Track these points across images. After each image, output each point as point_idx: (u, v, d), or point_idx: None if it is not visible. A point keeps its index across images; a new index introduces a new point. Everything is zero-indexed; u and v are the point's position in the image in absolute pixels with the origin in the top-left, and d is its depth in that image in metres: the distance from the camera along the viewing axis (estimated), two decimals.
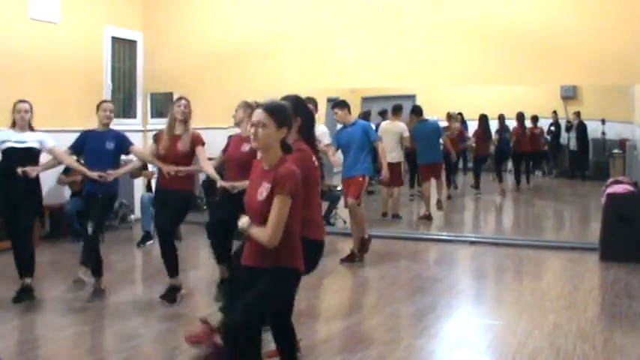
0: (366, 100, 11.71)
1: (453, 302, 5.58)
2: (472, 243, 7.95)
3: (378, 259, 6.88)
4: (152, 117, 9.75)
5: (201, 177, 9.88)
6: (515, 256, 7.35)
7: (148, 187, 8.26)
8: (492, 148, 11.68)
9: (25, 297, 5.30)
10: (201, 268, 6.75)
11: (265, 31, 8.55)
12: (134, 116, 9.47)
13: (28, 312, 5.17)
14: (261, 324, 3.12)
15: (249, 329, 2.95)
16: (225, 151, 5.45)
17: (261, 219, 2.96)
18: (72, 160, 5.70)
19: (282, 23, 8.47)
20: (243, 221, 3.04)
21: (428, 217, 9.38)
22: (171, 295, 5.37)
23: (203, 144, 5.43)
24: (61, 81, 8.07)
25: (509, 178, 12.79)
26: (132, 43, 9.42)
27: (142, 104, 9.62)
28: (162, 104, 10.19)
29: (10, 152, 5.34)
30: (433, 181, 9.65)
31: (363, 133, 6.79)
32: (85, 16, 8.54)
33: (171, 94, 10.09)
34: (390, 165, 8.70)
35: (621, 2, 7.15)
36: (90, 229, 5.43)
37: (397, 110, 9.39)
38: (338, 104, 6.94)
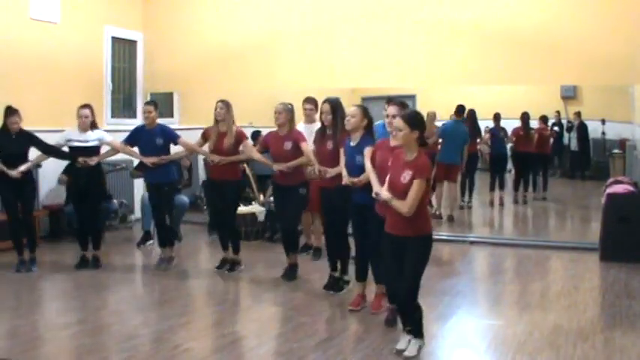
0: (365, 100, 11.70)
1: (453, 302, 5.58)
2: (472, 243, 7.95)
3: None
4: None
5: (201, 177, 9.90)
6: (515, 256, 7.35)
7: (148, 187, 8.25)
8: (485, 149, 11.31)
9: (95, 265, 6.48)
10: (201, 268, 6.75)
11: (265, 31, 8.54)
12: (134, 116, 9.45)
13: (28, 312, 5.17)
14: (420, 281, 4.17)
15: (417, 290, 4.13)
16: (263, 144, 6.13)
17: (402, 196, 3.99)
18: (128, 149, 6.57)
19: (282, 23, 8.46)
20: (386, 194, 4.07)
21: (438, 217, 9.35)
22: (233, 267, 6.36)
23: (247, 138, 6.27)
24: (61, 81, 8.06)
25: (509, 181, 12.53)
26: (132, 43, 9.41)
27: (142, 104, 9.60)
28: (162, 104, 10.17)
29: (75, 150, 6.37)
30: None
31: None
32: (85, 16, 8.53)
33: (171, 94, 10.11)
34: None
35: (621, 2, 7.14)
36: (168, 221, 6.63)
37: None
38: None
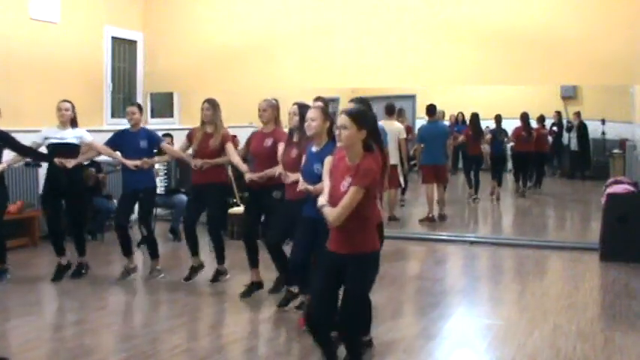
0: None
1: (453, 302, 5.58)
2: (472, 243, 7.94)
3: None
4: (152, 117, 9.75)
5: None
6: (515, 256, 7.35)
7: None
8: (487, 149, 11.52)
9: (78, 273, 6.17)
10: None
11: (265, 31, 8.54)
12: None
13: (28, 312, 5.17)
14: (368, 304, 3.77)
15: (362, 313, 3.66)
16: (248, 144, 5.79)
17: None
18: (110, 151, 6.18)
19: (282, 23, 8.46)
20: (321, 200, 3.49)
21: (430, 219, 9.30)
22: (216, 277, 6.05)
23: (231, 141, 5.90)
24: (61, 81, 8.05)
25: (508, 181, 12.74)
26: (132, 43, 9.41)
27: (142, 104, 9.59)
28: (162, 104, 10.19)
29: (53, 148, 5.95)
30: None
31: None
32: (85, 16, 8.53)
33: (171, 94, 10.11)
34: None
35: (621, 2, 7.15)
36: (144, 231, 6.19)
37: (392, 110, 9.20)
38: (361, 102, 6.81)
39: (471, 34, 7.67)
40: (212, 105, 5.83)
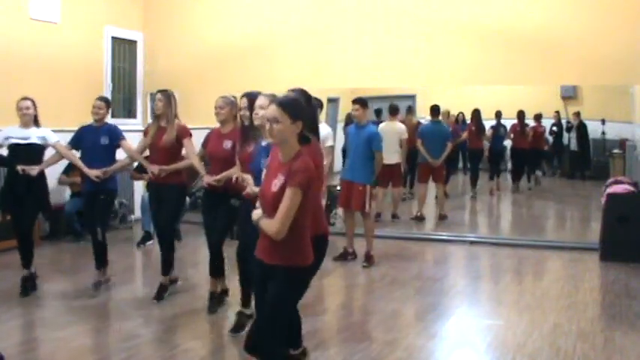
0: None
1: (453, 302, 5.58)
2: (472, 243, 7.94)
3: (378, 259, 6.90)
4: (152, 117, 9.74)
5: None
6: (515, 256, 7.35)
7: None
8: (487, 145, 11.71)
9: (33, 286, 5.65)
10: (200, 268, 6.74)
11: (265, 31, 8.55)
12: (134, 116, 9.46)
13: (28, 312, 5.17)
14: (286, 323, 3.20)
15: (276, 337, 3.10)
16: (205, 145, 5.43)
17: (272, 210, 2.93)
18: (73, 157, 5.83)
19: (282, 23, 8.47)
20: (256, 213, 3.07)
21: (420, 218, 9.37)
22: (160, 294, 5.53)
23: (190, 136, 5.47)
24: (61, 81, 8.05)
25: (507, 178, 12.86)
26: (132, 43, 9.41)
27: (141, 104, 9.61)
28: None
29: (14, 149, 5.55)
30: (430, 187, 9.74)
31: (367, 140, 6.66)
32: (85, 16, 8.53)
33: None
34: (390, 166, 8.58)
35: (621, 2, 7.15)
36: (100, 235, 5.76)
37: (395, 111, 9.28)
38: (360, 102, 6.82)
39: (471, 34, 7.67)
40: (166, 97, 5.42)
